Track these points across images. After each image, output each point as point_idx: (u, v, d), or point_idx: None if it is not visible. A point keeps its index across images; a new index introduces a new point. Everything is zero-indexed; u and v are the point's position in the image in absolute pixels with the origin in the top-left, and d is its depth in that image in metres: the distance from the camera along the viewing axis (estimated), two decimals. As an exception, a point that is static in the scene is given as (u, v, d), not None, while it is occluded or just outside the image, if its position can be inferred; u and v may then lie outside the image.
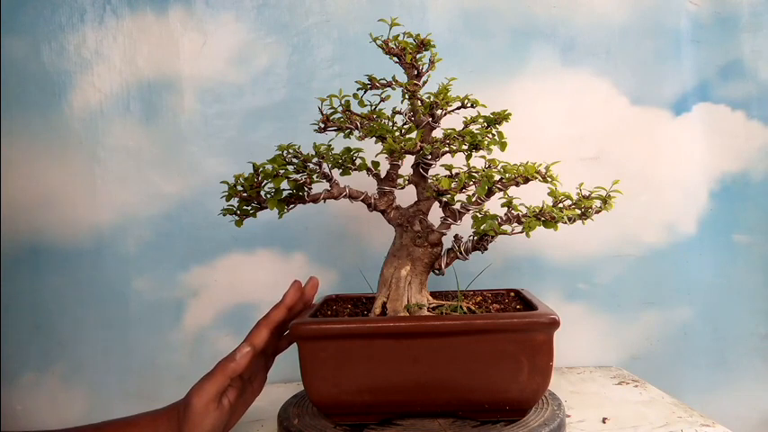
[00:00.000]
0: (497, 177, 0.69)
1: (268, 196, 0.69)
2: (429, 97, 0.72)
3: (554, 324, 0.64)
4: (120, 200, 0.98)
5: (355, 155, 0.73)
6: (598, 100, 1.01)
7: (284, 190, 0.69)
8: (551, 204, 0.69)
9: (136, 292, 0.99)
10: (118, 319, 0.98)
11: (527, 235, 0.67)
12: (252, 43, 1.00)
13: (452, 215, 0.71)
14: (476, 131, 0.72)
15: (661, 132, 1.01)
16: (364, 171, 0.74)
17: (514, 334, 0.64)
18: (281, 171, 0.68)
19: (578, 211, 0.69)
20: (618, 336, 1.01)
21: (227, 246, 1.00)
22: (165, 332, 0.99)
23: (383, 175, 0.75)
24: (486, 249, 0.72)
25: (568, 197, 0.70)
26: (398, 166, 0.74)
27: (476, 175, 0.71)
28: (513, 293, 0.83)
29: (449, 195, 0.69)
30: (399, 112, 0.77)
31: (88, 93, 0.98)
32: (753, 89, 1.01)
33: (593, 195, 0.70)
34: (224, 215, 0.71)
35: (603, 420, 0.75)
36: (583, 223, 0.70)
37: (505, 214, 0.69)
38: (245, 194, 0.69)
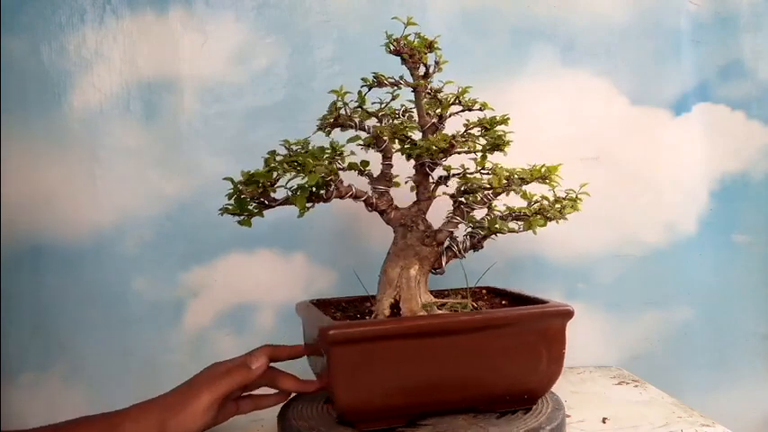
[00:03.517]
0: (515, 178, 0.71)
1: (290, 193, 0.66)
2: (447, 98, 0.73)
3: (570, 314, 0.69)
4: (120, 200, 0.98)
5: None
6: (598, 100, 1.01)
7: (309, 187, 0.66)
8: (527, 205, 0.73)
9: (136, 292, 0.99)
10: (118, 319, 0.98)
11: (534, 232, 0.71)
12: (252, 43, 1.00)
13: (461, 214, 0.72)
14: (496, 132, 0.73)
15: (661, 132, 1.01)
16: (355, 171, 0.73)
17: (537, 325, 0.68)
18: (315, 167, 0.65)
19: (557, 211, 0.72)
20: (618, 336, 1.01)
21: (227, 246, 1.00)
22: (164, 332, 0.99)
23: (375, 174, 0.74)
24: (482, 248, 0.74)
25: (546, 198, 0.74)
26: (391, 166, 0.74)
27: (495, 175, 0.72)
28: (485, 290, 0.84)
29: (481, 193, 0.70)
30: (396, 114, 0.77)
31: (88, 93, 0.98)
32: (753, 89, 1.01)
33: (567, 197, 0.73)
34: (221, 214, 0.69)
35: (603, 420, 0.75)
36: (557, 223, 0.73)
37: (508, 214, 0.71)
38: (256, 192, 0.66)
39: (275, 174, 0.65)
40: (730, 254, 1.01)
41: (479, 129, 0.74)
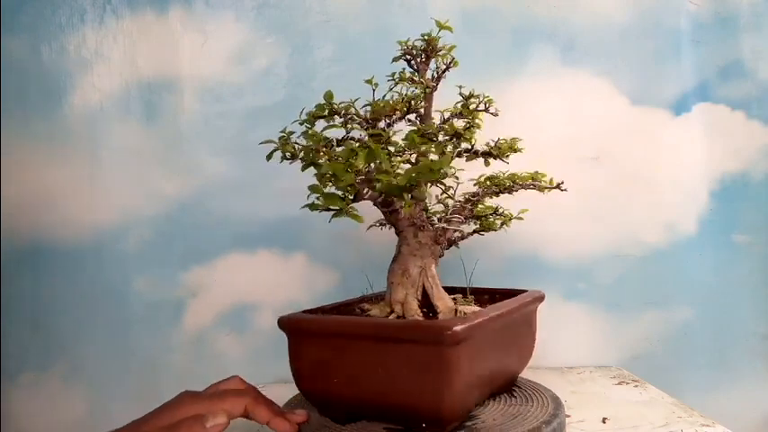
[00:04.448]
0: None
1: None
2: (474, 105, 0.74)
3: (543, 298, 0.78)
4: (120, 200, 0.98)
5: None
6: (598, 100, 1.01)
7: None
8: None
9: (136, 292, 0.99)
10: (118, 319, 0.98)
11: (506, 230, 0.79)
12: (252, 43, 1.00)
13: (462, 213, 0.74)
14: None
15: (661, 132, 1.01)
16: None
17: (532, 308, 0.76)
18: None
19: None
20: (618, 336, 1.01)
21: (227, 246, 1.00)
22: (165, 332, 0.99)
23: None
24: (458, 246, 0.77)
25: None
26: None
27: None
28: None
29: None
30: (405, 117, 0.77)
31: (88, 93, 0.98)
32: (753, 89, 1.01)
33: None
34: (314, 210, 0.62)
35: (603, 420, 0.75)
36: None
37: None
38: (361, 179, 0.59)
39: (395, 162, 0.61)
40: (730, 254, 1.01)
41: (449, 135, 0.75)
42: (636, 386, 0.89)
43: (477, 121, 0.74)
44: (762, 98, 1.01)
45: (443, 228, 0.73)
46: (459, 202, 0.74)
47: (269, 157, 0.65)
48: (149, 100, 0.99)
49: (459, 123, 0.75)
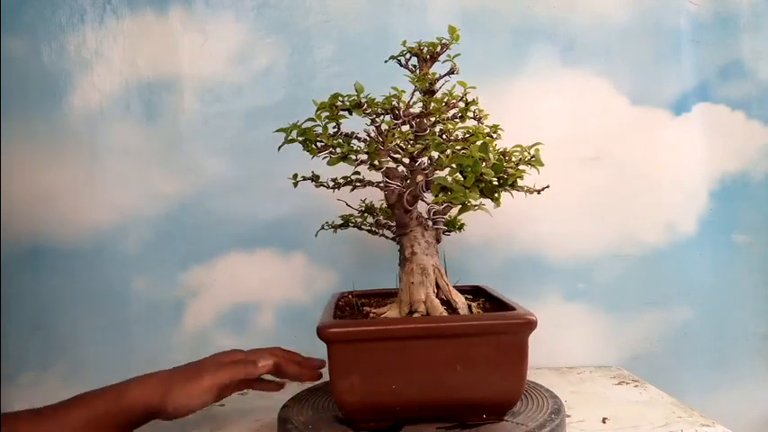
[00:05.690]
0: None
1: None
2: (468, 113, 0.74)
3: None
4: (120, 200, 0.98)
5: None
6: (598, 100, 1.01)
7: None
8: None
9: (136, 292, 0.99)
10: (118, 319, 0.98)
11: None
12: (252, 43, 1.00)
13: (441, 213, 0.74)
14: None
15: (661, 132, 1.01)
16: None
17: None
18: None
19: None
20: (618, 336, 1.01)
21: (227, 246, 1.00)
22: (164, 332, 0.99)
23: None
24: None
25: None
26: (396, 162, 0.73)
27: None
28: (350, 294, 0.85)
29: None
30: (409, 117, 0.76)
31: (88, 93, 0.98)
32: (753, 89, 1.01)
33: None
34: (442, 203, 0.65)
35: (603, 420, 0.75)
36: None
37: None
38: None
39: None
40: (730, 254, 1.01)
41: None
42: (636, 386, 0.89)
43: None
44: (762, 98, 1.01)
45: (436, 228, 0.74)
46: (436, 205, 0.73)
47: (280, 147, 0.68)
48: (149, 100, 0.99)
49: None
